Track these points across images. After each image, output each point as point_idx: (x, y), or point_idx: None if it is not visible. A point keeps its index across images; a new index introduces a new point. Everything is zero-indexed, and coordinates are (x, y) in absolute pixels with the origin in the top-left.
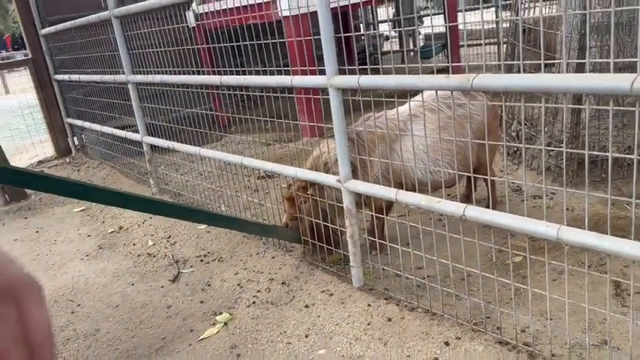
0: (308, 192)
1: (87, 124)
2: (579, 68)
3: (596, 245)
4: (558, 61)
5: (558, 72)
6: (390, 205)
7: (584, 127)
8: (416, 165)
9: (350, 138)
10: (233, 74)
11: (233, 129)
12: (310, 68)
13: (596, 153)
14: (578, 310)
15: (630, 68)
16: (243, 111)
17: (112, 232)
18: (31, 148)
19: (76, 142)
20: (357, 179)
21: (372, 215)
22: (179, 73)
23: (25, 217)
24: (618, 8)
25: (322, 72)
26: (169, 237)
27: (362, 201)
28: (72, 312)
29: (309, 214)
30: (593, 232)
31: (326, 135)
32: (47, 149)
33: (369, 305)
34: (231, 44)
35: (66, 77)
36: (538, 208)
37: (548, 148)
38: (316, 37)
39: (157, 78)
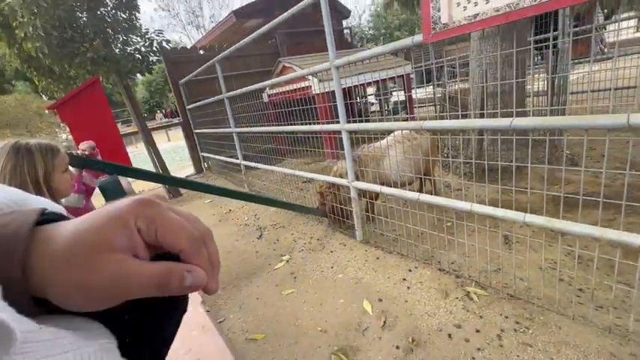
0: (331, 189)
1: (211, 155)
2: (481, 116)
3: (492, 214)
4: (469, 112)
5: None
6: (377, 195)
7: (484, 149)
8: (391, 172)
9: (354, 159)
10: (288, 125)
11: (288, 156)
12: (330, 121)
13: (492, 163)
14: (483, 251)
15: (511, 114)
16: (294, 144)
17: (226, 212)
18: (182, 169)
19: (205, 165)
20: (359, 181)
21: (367, 201)
22: (259, 126)
23: (180, 205)
24: (502, 82)
25: (337, 122)
26: (256, 214)
27: (362, 193)
28: None
29: (333, 201)
30: (490, 207)
31: (340, 158)
32: (190, 170)
33: (366, 250)
34: (288, 109)
35: (199, 131)
36: (460, 195)
37: (465, 161)
38: (334, 103)
39: (247, 129)
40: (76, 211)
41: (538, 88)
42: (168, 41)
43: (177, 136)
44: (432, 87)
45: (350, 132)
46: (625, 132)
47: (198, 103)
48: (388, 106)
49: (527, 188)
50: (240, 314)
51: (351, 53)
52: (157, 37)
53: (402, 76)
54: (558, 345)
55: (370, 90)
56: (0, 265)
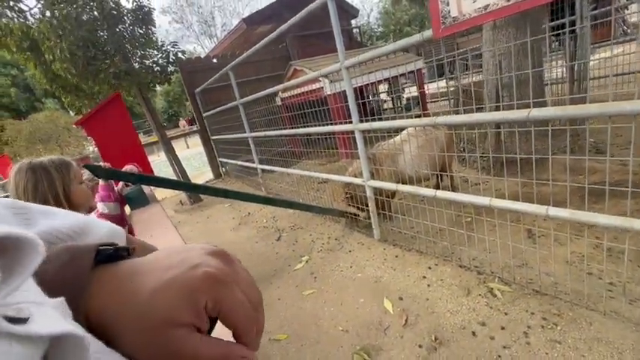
0: (348, 189)
1: (228, 160)
2: (496, 109)
3: (513, 208)
4: (484, 105)
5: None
6: (394, 193)
7: (502, 141)
8: (407, 168)
9: (369, 157)
10: (302, 128)
11: (303, 158)
12: (344, 121)
13: (510, 156)
14: (506, 246)
15: (528, 105)
16: (309, 146)
17: (245, 215)
18: (201, 175)
19: (223, 170)
20: (375, 180)
21: (383, 199)
22: (273, 130)
23: (202, 210)
24: (517, 72)
25: (350, 122)
26: (274, 217)
27: (379, 192)
28: None
29: (351, 200)
30: (510, 201)
31: (355, 157)
32: (209, 175)
33: (384, 249)
34: (301, 112)
35: (216, 137)
36: (478, 190)
37: (482, 155)
38: (346, 103)
39: (262, 134)
40: (114, 218)
41: (557, 75)
42: (183, 52)
43: (196, 143)
44: (444, 81)
45: (363, 131)
46: None
47: (213, 111)
48: (401, 103)
49: (548, 180)
50: None
51: (361, 52)
52: (173, 49)
53: (414, 71)
54: (589, 342)
55: (382, 87)
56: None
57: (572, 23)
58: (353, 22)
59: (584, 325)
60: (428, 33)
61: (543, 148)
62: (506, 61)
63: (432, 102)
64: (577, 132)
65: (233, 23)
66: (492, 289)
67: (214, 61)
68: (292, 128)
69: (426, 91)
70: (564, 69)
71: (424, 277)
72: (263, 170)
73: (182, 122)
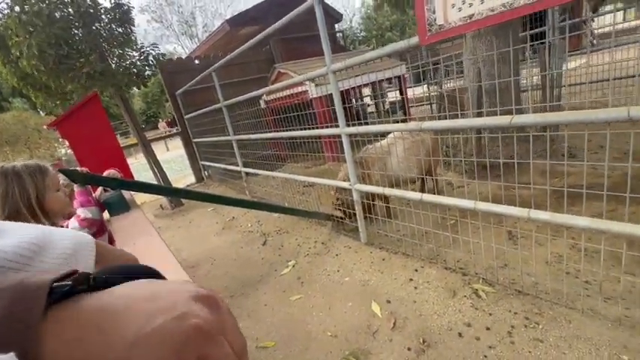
0: (339, 193)
1: (211, 164)
2: (478, 115)
3: (496, 211)
4: (466, 111)
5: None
6: (383, 196)
7: (484, 146)
8: (397, 170)
9: (357, 161)
10: (288, 131)
11: (288, 161)
12: (329, 124)
13: (493, 160)
14: (489, 248)
15: (509, 111)
16: (294, 149)
17: (229, 220)
18: (183, 178)
19: (206, 174)
20: (364, 184)
21: (370, 203)
22: (258, 133)
23: (183, 215)
24: (498, 80)
25: (337, 126)
26: (259, 221)
27: (369, 196)
28: (211, 264)
29: (340, 205)
30: (494, 204)
31: (340, 160)
32: (191, 179)
33: (371, 252)
34: (286, 115)
35: (198, 140)
36: (461, 192)
37: (466, 159)
38: (332, 107)
39: (246, 137)
40: (96, 223)
41: (532, 82)
42: (163, 55)
43: (177, 145)
44: (427, 86)
45: (350, 135)
46: (624, 124)
47: (195, 113)
48: (384, 107)
49: (529, 183)
50: (249, 322)
51: (345, 56)
52: (153, 51)
53: (398, 76)
54: (570, 339)
55: (367, 91)
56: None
57: (545, 34)
58: (336, 26)
59: (564, 324)
60: (414, 40)
61: (521, 153)
62: (487, 69)
63: (416, 106)
64: (551, 137)
65: (215, 24)
66: (477, 290)
67: (196, 62)
68: (277, 131)
69: (409, 96)
70: (540, 77)
71: (411, 279)
72: (247, 173)
73: (162, 124)
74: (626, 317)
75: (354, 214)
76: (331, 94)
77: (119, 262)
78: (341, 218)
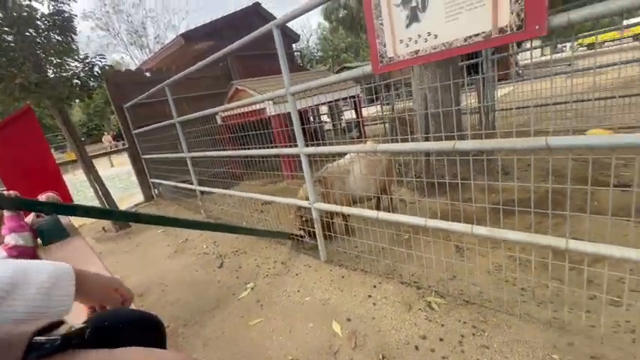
0: (298, 211)
1: (162, 181)
2: (426, 136)
3: (444, 227)
4: (416, 132)
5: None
6: (342, 214)
7: (432, 165)
8: (357, 188)
9: (318, 180)
10: (246, 149)
11: (245, 178)
12: (288, 144)
13: (440, 181)
14: (439, 261)
15: (453, 137)
16: (250, 167)
17: (182, 242)
18: (130, 197)
19: (156, 192)
20: (326, 202)
21: (329, 221)
22: (214, 150)
23: (130, 237)
24: (443, 109)
25: (295, 145)
26: (215, 242)
27: (330, 214)
28: (162, 290)
29: (304, 223)
30: (442, 221)
31: (299, 179)
32: (139, 197)
33: (331, 270)
34: (243, 134)
35: (148, 157)
36: (413, 208)
37: (416, 179)
38: (291, 128)
39: (202, 153)
40: (28, 251)
41: (470, 106)
42: (111, 66)
43: (122, 161)
44: (380, 106)
45: (309, 155)
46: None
47: (146, 128)
48: (341, 125)
49: (471, 199)
50: (206, 352)
51: (303, 75)
52: (99, 62)
53: (353, 96)
54: (511, 344)
55: (324, 109)
56: None
57: (481, 65)
58: (294, 46)
59: (505, 329)
60: (368, 68)
61: (464, 171)
62: (432, 95)
63: (371, 124)
64: (491, 154)
65: (168, 36)
66: (430, 302)
67: (147, 74)
68: (235, 149)
69: (364, 115)
70: (478, 105)
71: (369, 295)
72: (202, 192)
73: (106, 137)
74: (555, 319)
75: (314, 233)
76: (289, 112)
77: (99, 287)
78: (301, 237)
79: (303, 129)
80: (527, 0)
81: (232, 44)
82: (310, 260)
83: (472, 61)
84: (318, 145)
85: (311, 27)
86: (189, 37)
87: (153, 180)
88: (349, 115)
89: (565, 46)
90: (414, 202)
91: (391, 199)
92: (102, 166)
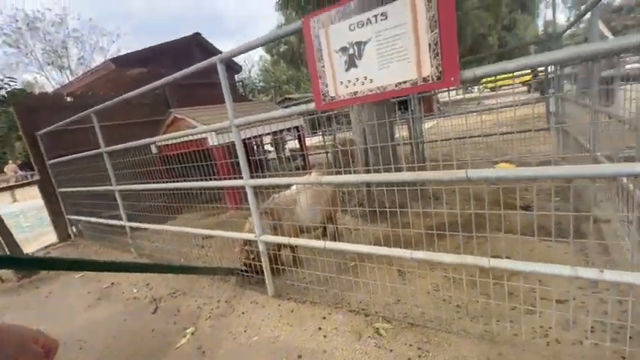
0: (245, 244)
1: (83, 218)
2: (366, 165)
3: (387, 254)
4: (358, 162)
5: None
6: (291, 245)
7: (373, 193)
8: (305, 218)
9: (265, 212)
10: (188, 181)
11: (185, 211)
12: (233, 176)
13: (380, 209)
14: (384, 286)
15: (390, 168)
16: (191, 199)
17: (107, 287)
18: (41, 236)
19: (74, 230)
20: (271, 234)
21: (277, 253)
22: (149, 183)
23: (37, 287)
24: (382, 143)
25: (238, 177)
26: (148, 284)
27: (278, 246)
28: (80, 348)
29: (247, 256)
30: (385, 247)
31: (243, 210)
32: (52, 237)
33: (279, 305)
34: (183, 165)
35: (66, 190)
36: (357, 235)
37: (360, 208)
38: (235, 160)
39: (135, 186)
40: None
41: (402, 137)
42: (22, 90)
43: (29, 194)
44: (323, 135)
45: (254, 186)
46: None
47: (65, 158)
48: (284, 155)
49: (409, 224)
50: None
51: (246, 105)
52: (8, 85)
53: (297, 127)
54: None
55: (267, 139)
56: None
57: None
58: (236, 76)
59: (446, 347)
60: (311, 105)
61: (401, 199)
62: (369, 128)
63: (314, 154)
64: (423, 184)
65: (95, 58)
66: (378, 328)
67: (68, 99)
68: (174, 181)
69: (307, 144)
70: (407, 134)
71: (320, 328)
72: (133, 228)
73: (10, 167)
74: (486, 332)
75: (261, 267)
76: (233, 142)
77: (10, 340)
78: (246, 271)
79: (248, 160)
80: (443, 57)
81: (174, 73)
82: (257, 296)
83: (402, 98)
84: (264, 176)
85: (253, 59)
86: (122, 61)
87: (70, 216)
88: (293, 144)
89: (474, 89)
90: (358, 229)
91: (337, 227)
92: (2, 201)
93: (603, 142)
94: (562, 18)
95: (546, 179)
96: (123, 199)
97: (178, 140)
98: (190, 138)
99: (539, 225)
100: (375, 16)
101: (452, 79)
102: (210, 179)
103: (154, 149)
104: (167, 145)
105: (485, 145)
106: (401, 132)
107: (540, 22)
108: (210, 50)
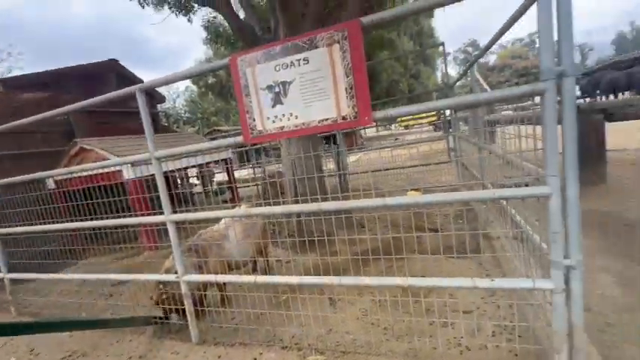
0: (164, 287)
1: None
2: (295, 196)
3: (316, 282)
4: (287, 194)
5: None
6: (224, 285)
7: (303, 223)
8: (236, 254)
9: (189, 249)
10: (94, 220)
11: (89, 255)
12: (152, 212)
13: (309, 239)
14: (316, 317)
15: (318, 199)
16: (96, 241)
17: None
18: None
19: None
20: (197, 273)
21: (202, 293)
22: (41, 223)
23: None
24: (311, 175)
25: (158, 212)
26: (32, 350)
27: (199, 286)
28: None
29: (167, 301)
30: (314, 276)
31: (162, 249)
32: None
33: (205, 352)
34: (85, 202)
35: None
36: (289, 267)
37: (289, 239)
38: (156, 194)
39: (20, 229)
40: None
41: (328, 170)
42: None
43: None
44: (252, 167)
45: (177, 222)
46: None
47: None
48: (212, 187)
49: (337, 252)
50: None
51: (170, 137)
52: None
53: (225, 159)
54: None
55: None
56: None
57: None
58: (159, 106)
59: None
60: (239, 139)
61: (329, 227)
62: (298, 161)
63: (243, 186)
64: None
65: None
66: None
67: None
68: (71, 219)
69: (237, 176)
70: (334, 166)
71: None
72: (15, 281)
73: None
74: (410, 350)
75: (183, 311)
76: (152, 175)
77: None
78: (165, 318)
79: (171, 194)
80: (358, 100)
81: (81, 101)
82: (179, 345)
83: (328, 132)
84: (188, 211)
85: (178, 89)
86: (15, 83)
87: None
88: (221, 177)
89: (392, 127)
90: (289, 260)
91: (267, 260)
92: None
93: (490, 173)
94: (454, 71)
95: (445, 204)
96: (3, 244)
97: (86, 173)
98: (101, 171)
99: (447, 245)
100: (298, 60)
101: (366, 118)
102: (124, 216)
103: (51, 184)
104: (70, 179)
105: (404, 176)
106: (327, 164)
107: (439, 74)
108: (129, 78)
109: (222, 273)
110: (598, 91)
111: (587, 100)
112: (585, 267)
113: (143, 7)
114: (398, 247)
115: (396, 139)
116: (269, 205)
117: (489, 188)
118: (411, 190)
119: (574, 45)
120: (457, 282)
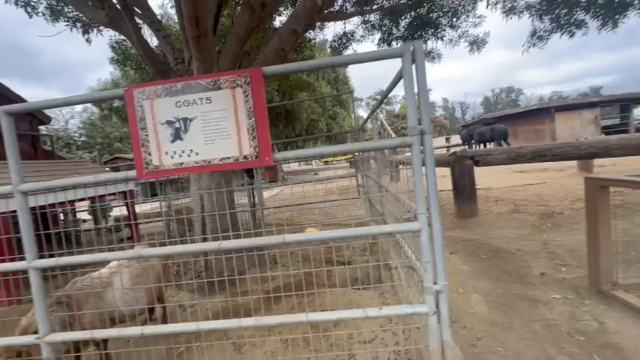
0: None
1: None
2: (203, 232)
3: (216, 327)
4: (194, 230)
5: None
6: (87, 342)
7: (211, 262)
8: (121, 305)
9: (60, 301)
10: None
11: None
12: (10, 257)
13: (217, 279)
14: None
15: (229, 236)
16: None
17: None
18: None
19: None
20: (73, 330)
21: (75, 355)
22: None
23: None
24: (222, 211)
25: (17, 257)
26: None
27: (69, 347)
28: None
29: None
30: (213, 320)
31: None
32: None
33: None
34: None
35: None
36: (194, 312)
37: (195, 281)
38: (16, 235)
39: None
40: None
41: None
42: None
43: None
44: (159, 202)
45: (45, 269)
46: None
47: None
48: (107, 223)
49: (247, 292)
50: None
51: (54, 164)
52: None
53: (124, 192)
54: None
55: (84, 204)
56: None
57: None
58: (43, 128)
59: None
60: (132, 173)
61: (240, 265)
62: (207, 195)
63: (145, 222)
64: (261, 248)
65: None
66: None
67: None
68: None
69: (139, 210)
70: (248, 200)
71: None
72: None
73: None
74: None
75: None
76: (13, 211)
77: None
78: None
79: (39, 236)
80: (259, 140)
81: None
82: None
83: (245, 166)
84: (61, 254)
85: (73, 109)
86: None
87: None
88: (121, 212)
89: (312, 162)
90: (193, 304)
91: (164, 308)
92: None
93: (393, 208)
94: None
95: (350, 239)
96: None
97: None
98: None
99: (354, 277)
100: (201, 99)
101: (267, 158)
102: None
103: None
104: None
105: (317, 211)
106: (239, 199)
107: (353, 116)
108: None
109: (100, 327)
110: (473, 141)
111: (465, 147)
112: (464, 289)
113: (31, 16)
114: (309, 281)
115: (315, 174)
116: (174, 244)
117: (388, 222)
118: (309, 227)
119: (455, 103)
120: (351, 313)
